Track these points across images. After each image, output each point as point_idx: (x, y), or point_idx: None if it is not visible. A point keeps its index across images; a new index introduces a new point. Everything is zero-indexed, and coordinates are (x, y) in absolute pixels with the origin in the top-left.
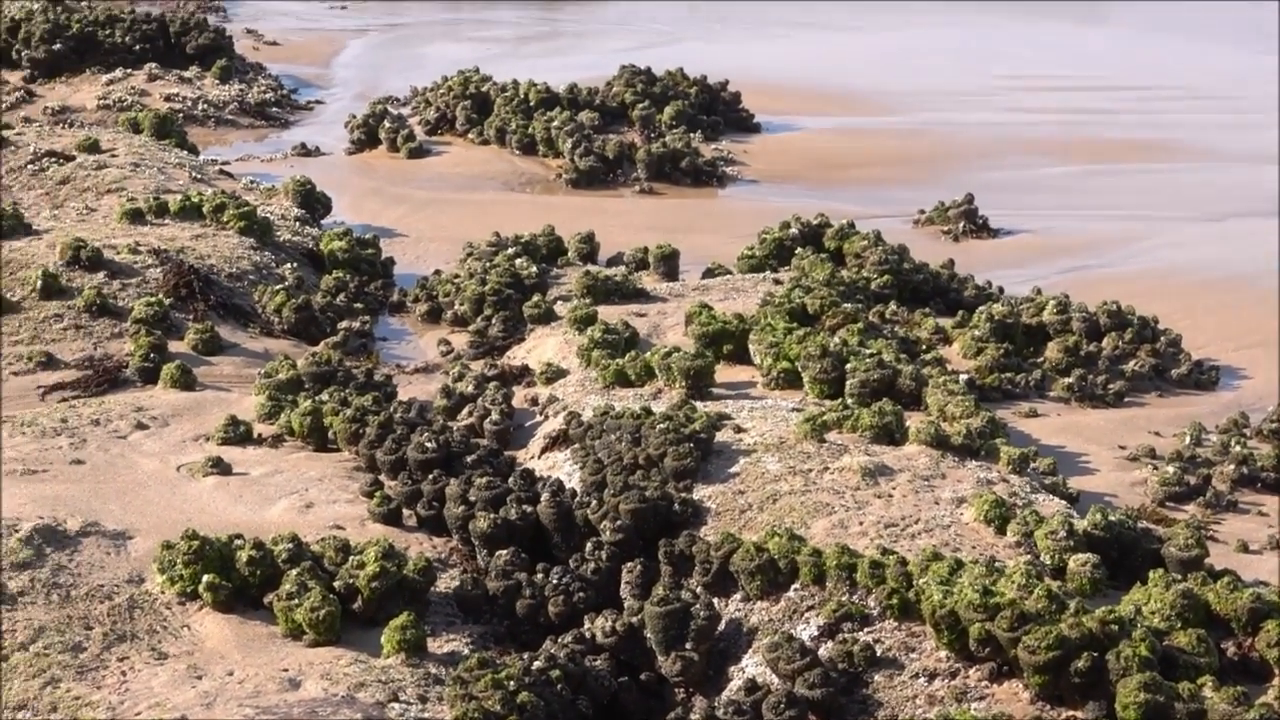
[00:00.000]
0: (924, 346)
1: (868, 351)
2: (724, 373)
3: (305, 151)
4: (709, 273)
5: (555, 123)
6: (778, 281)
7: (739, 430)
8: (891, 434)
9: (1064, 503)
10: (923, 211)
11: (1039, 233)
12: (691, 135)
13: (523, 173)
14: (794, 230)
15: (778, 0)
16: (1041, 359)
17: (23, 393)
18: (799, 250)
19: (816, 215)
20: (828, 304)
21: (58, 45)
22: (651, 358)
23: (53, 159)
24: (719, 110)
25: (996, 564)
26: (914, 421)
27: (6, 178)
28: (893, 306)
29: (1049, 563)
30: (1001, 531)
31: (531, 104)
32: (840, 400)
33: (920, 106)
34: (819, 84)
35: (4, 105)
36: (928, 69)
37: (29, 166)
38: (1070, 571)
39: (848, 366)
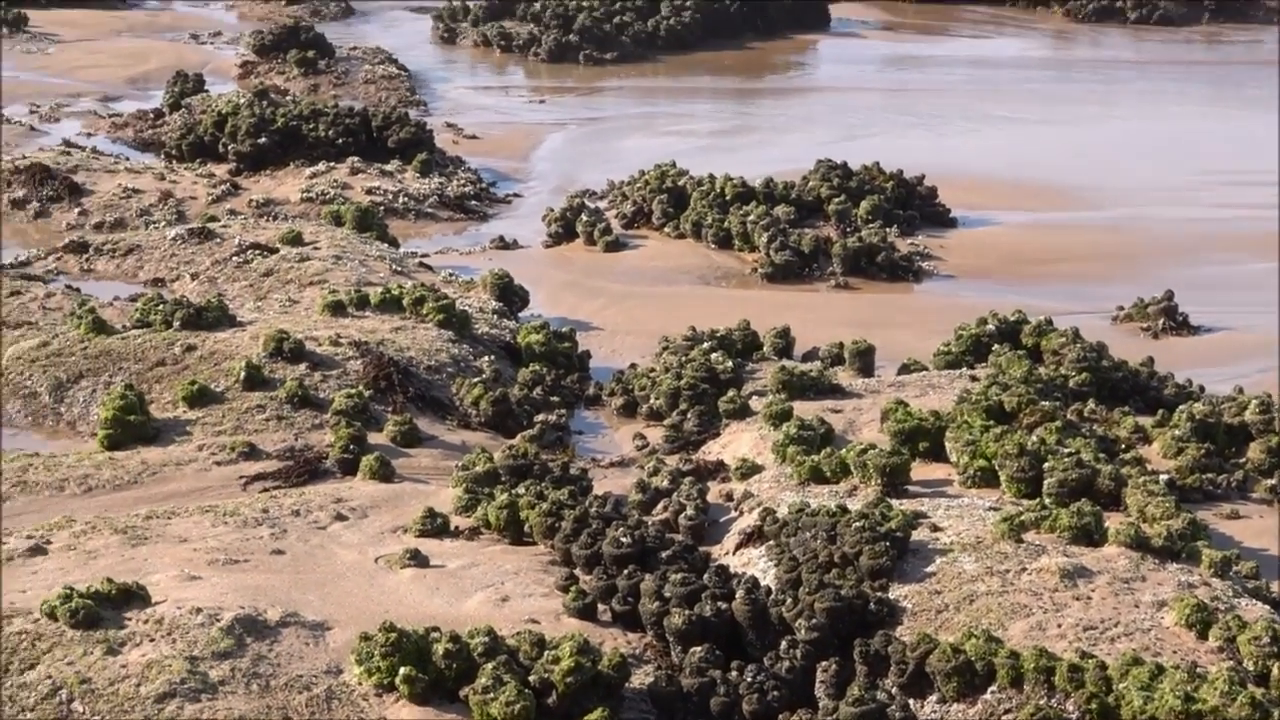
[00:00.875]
0: (1123, 446)
1: (1066, 450)
2: (920, 470)
3: (503, 244)
4: (905, 369)
5: (751, 217)
6: (974, 378)
7: (935, 529)
8: (1090, 535)
9: (1268, 608)
10: (1121, 308)
11: (1241, 330)
12: (887, 230)
13: (718, 267)
14: (991, 326)
15: (972, 94)
16: (1244, 459)
17: (225, 482)
18: (996, 347)
19: (1014, 311)
20: (1025, 401)
21: (263, 139)
22: (847, 454)
23: (257, 251)
24: (915, 204)
25: (1198, 670)
26: (1113, 522)
27: (212, 269)
28: (1091, 405)
29: (1252, 669)
30: (1203, 636)
31: (727, 198)
32: (1038, 500)
33: (1119, 201)
34: (1016, 178)
35: (210, 198)
36: (1127, 163)
37: (234, 259)
38: (1274, 678)
39: (1045, 465)
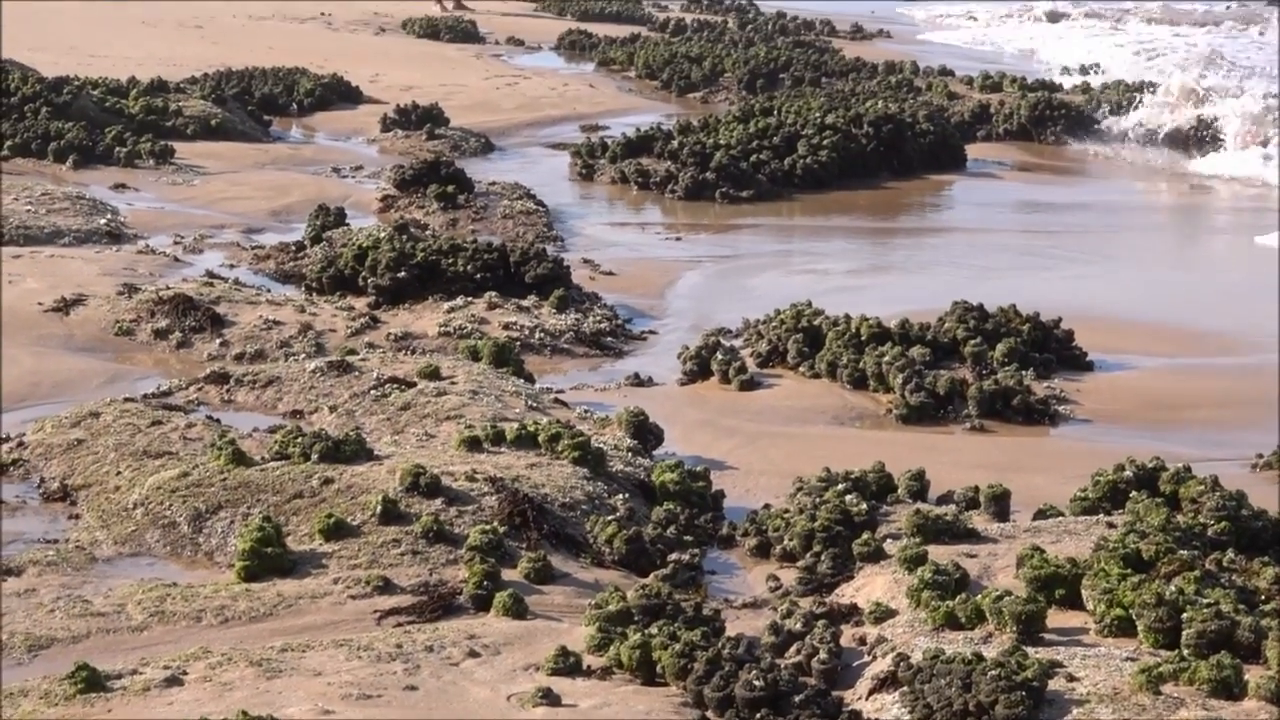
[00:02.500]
0: (1263, 597)
1: (1205, 601)
2: (1056, 618)
3: (638, 382)
4: (1040, 514)
5: (886, 358)
6: (1111, 525)
7: (1071, 678)
8: (1230, 688)
9: None
10: (1260, 455)
11: None
12: (1024, 373)
13: (853, 407)
14: (1128, 473)
15: (1107, 236)
16: None
17: (360, 616)
18: (1133, 493)
19: (1151, 457)
20: (1163, 550)
21: (402, 273)
22: (982, 600)
23: (395, 385)
24: (1052, 347)
25: None
26: (1253, 675)
27: (350, 402)
28: (1230, 554)
29: None
30: None
31: (863, 338)
32: (1176, 651)
33: (1258, 346)
34: (1153, 321)
35: (349, 331)
36: (1265, 307)
37: (372, 392)
38: None
39: (1184, 616)
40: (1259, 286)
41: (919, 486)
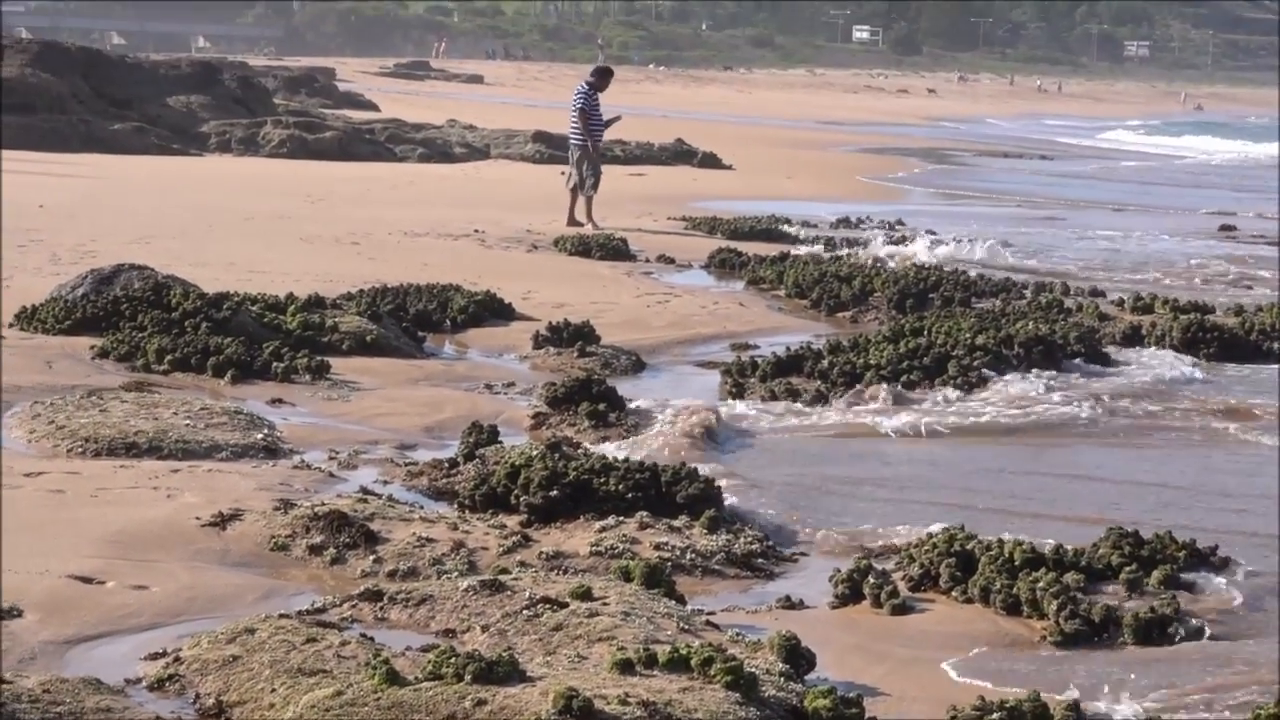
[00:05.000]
0: None
1: None
2: None
3: (789, 604)
4: None
5: (1040, 584)
6: None
7: None
8: None
9: None
10: None
11: None
12: (1178, 599)
13: (1006, 634)
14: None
15: (1262, 460)
16: None
17: None
18: None
19: None
20: None
21: (554, 492)
22: None
23: (547, 605)
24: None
25: None
26: None
27: (502, 622)
28: None
29: None
30: None
31: (1016, 563)
32: None
33: None
34: None
35: (501, 549)
36: None
37: (524, 612)
38: None
39: None
40: None
41: (1075, 716)
